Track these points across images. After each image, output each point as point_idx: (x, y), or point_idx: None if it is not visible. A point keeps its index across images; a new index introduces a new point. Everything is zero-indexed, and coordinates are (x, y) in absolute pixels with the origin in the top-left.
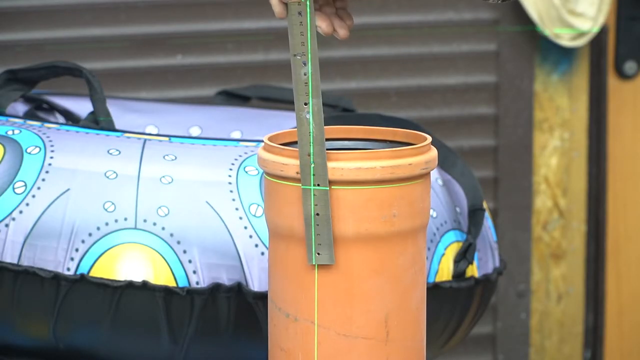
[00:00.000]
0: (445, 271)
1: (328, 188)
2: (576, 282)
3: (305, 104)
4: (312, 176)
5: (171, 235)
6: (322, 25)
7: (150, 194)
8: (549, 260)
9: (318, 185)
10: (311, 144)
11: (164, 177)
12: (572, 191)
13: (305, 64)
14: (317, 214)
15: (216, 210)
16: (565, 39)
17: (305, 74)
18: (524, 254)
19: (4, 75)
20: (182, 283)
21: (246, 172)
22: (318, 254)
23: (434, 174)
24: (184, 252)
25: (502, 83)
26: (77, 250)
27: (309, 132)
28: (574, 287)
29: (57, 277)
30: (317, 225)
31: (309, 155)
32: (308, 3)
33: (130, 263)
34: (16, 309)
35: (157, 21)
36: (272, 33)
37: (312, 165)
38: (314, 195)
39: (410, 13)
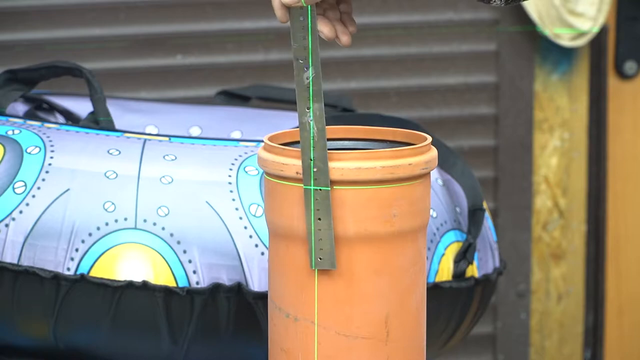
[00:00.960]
0: (445, 271)
1: (330, 193)
2: (576, 282)
3: (308, 108)
4: (312, 180)
5: (171, 235)
6: (325, 30)
7: (150, 194)
8: (549, 260)
9: (320, 190)
10: (311, 148)
11: (164, 177)
12: (572, 191)
13: (307, 68)
14: (319, 219)
15: (216, 210)
16: (565, 39)
17: (307, 79)
18: (524, 254)
19: (4, 75)
20: (182, 283)
21: (246, 172)
22: (320, 258)
23: (434, 174)
24: (184, 252)
25: (502, 83)
26: (77, 250)
27: (311, 137)
28: (574, 287)
29: (57, 277)
30: (319, 230)
31: (311, 159)
32: (310, 8)
33: (130, 263)
34: (16, 309)
35: (157, 21)
36: (272, 33)
37: (314, 170)
38: (315, 200)
39: (410, 13)
